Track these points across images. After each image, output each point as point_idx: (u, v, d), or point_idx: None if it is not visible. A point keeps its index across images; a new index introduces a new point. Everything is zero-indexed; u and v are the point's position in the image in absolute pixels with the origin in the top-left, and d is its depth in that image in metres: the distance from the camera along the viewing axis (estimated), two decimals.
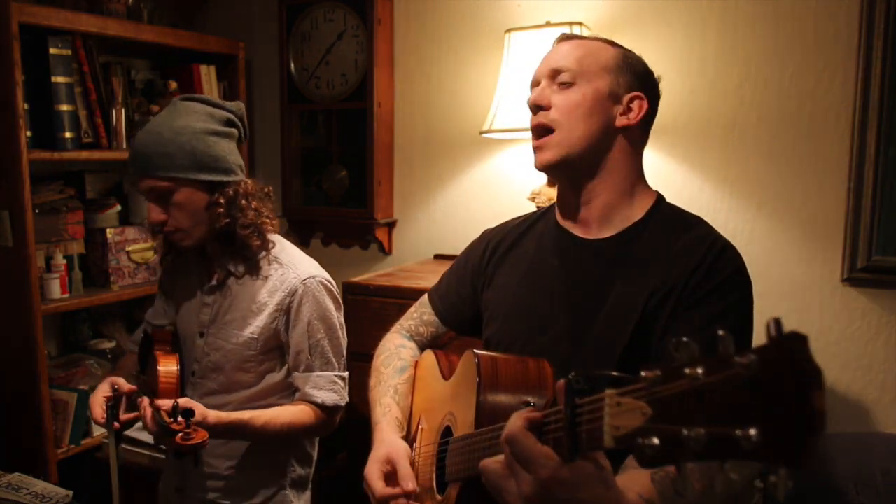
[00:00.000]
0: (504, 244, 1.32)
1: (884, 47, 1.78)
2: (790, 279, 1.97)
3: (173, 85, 2.53)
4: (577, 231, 1.20)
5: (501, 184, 2.37)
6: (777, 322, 0.52)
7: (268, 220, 1.54)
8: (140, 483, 2.08)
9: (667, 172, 2.09)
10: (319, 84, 2.60)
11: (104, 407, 1.47)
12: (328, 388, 1.53)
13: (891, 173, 1.81)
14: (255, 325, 1.51)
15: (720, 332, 0.56)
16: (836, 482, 1.57)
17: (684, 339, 0.59)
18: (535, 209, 1.84)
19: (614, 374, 0.67)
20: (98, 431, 2.28)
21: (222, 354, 1.54)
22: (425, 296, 1.45)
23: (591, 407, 0.69)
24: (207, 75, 2.62)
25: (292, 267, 1.53)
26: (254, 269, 1.54)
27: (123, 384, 1.49)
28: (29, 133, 2.06)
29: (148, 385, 1.58)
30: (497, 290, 1.28)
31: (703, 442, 0.54)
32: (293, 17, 2.62)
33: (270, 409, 1.50)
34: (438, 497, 1.13)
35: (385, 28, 2.49)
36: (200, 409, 1.35)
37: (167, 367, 1.52)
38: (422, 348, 1.41)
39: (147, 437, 2.11)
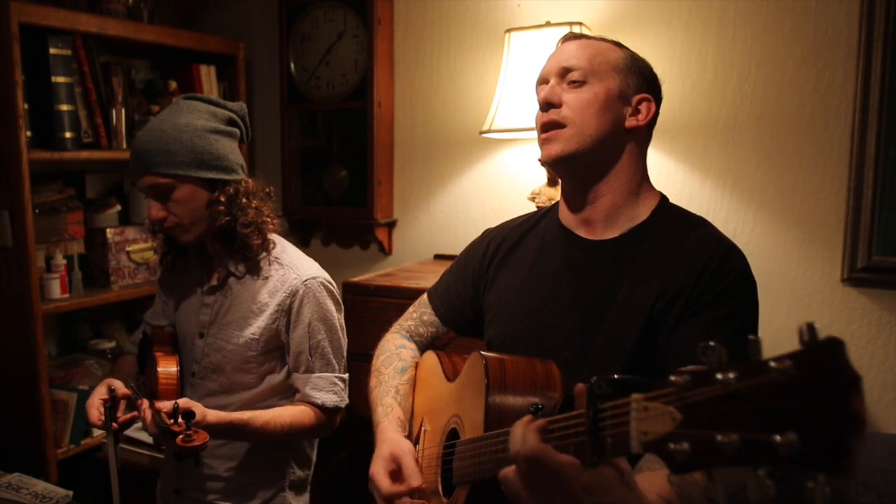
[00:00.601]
0: (506, 245, 1.31)
1: (884, 47, 1.78)
2: (790, 279, 1.97)
3: (173, 85, 2.53)
4: (581, 232, 1.20)
5: (501, 184, 2.37)
6: (811, 327, 0.51)
7: (269, 220, 1.54)
8: (140, 483, 2.08)
9: (667, 172, 2.09)
10: (319, 84, 2.60)
11: (101, 409, 1.47)
12: (328, 389, 1.53)
13: (891, 173, 1.81)
14: (256, 326, 1.51)
15: (750, 337, 0.56)
16: (837, 482, 1.57)
17: (711, 343, 0.58)
18: (535, 209, 1.83)
19: (635, 377, 0.67)
20: (98, 432, 2.28)
21: (222, 355, 1.53)
22: (424, 296, 1.45)
23: (616, 412, 0.69)
24: (207, 75, 2.62)
25: (293, 268, 1.53)
26: (254, 269, 1.54)
27: (120, 387, 1.48)
28: (29, 133, 2.06)
29: (147, 386, 1.58)
30: (499, 291, 1.28)
31: (736, 447, 0.53)
32: (293, 17, 2.62)
33: (270, 410, 1.49)
34: (445, 500, 1.13)
35: (385, 28, 2.49)
36: (200, 409, 1.35)
37: (167, 367, 1.51)
38: (421, 349, 1.41)
39: (147, 437, 2.11)
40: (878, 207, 1.83)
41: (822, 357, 0.50)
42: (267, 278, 1.53)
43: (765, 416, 0.53)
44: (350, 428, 2.10)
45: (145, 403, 1.38)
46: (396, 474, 1.15)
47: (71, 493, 1.73)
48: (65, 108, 2.14)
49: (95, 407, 1.47)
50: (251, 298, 1.52)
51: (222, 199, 1.47)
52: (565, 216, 1.23)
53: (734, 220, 2.03)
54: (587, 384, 0.73)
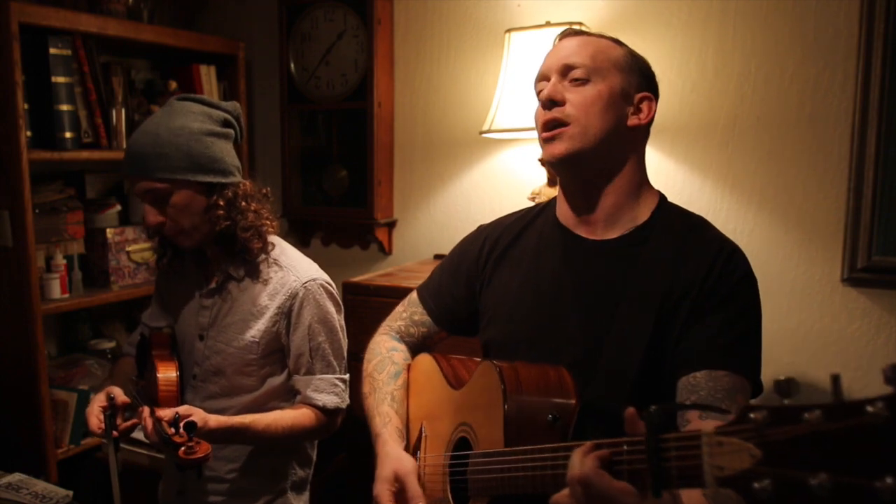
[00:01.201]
0: (501, 243, 1.29)
1: (884, 47, 1.78)
2: (790, 279, 1.97)
3: (173, 85, 2.53)
4: (581, 231, 1.19)
5: (501, 184, 2.37)
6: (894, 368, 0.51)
7: (268, 222, 1.52)
8: (140, 483, 2.08)
9: (667, 172, 2.09)
10: (319, 84, 2.60)
11: (100, 417, 1.45)
12: (329, 390, 1.52)
13: (891, 173, 1.81)
14: (256, 329, 1.51)
15: (831, 375, 0.57)
16: None
17: (783, 377, 0.59)
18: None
19: (687, 405, 0.67)
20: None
21: (223, 358, 1.53)
22: (414, 295, 1.41)
23: (683, 444, 0.69)
24: (207, 75, 2.62)
25: (292, 270, 1.52)
26: (254, 271, 1.53)
27: (119, 394, 1.46)
28: (29, 133, 2.06)
29: (147, 390, 1.57)
30: (496, 291, 1.26)
31: (828, 489, 0.53)
32: (293, 17, 2.62)
33: (272, 413, 1.49)
34: None
35: (385, 28, 2.49)
36: (201, 415, 1.34)
37: (166, 373, 1.50)
38: (412, 349, 1.38)
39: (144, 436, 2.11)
40: (878, 207, 1.83)
41: None
42: (266, 281, 1.52)
43: (858, 459, 0.52)
44: (350, 428, 2.11)
45: (146, 411, 1.36)
46: (400, 495, 1.14)
47: (71, 493, 1.73)
48: (65, 108, 2.14)
49: (95, 415, 1.45)
50: (251, 301, 1.52)
51: (221, 202, 1.45)
52: (564, 215, 1.22)
53: (734, 220, 2.03)
54: (645, 413, 0.73)
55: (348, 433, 2.19)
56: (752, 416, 0.60)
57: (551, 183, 2.05)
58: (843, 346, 1.92)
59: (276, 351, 1.54)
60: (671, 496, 0.77)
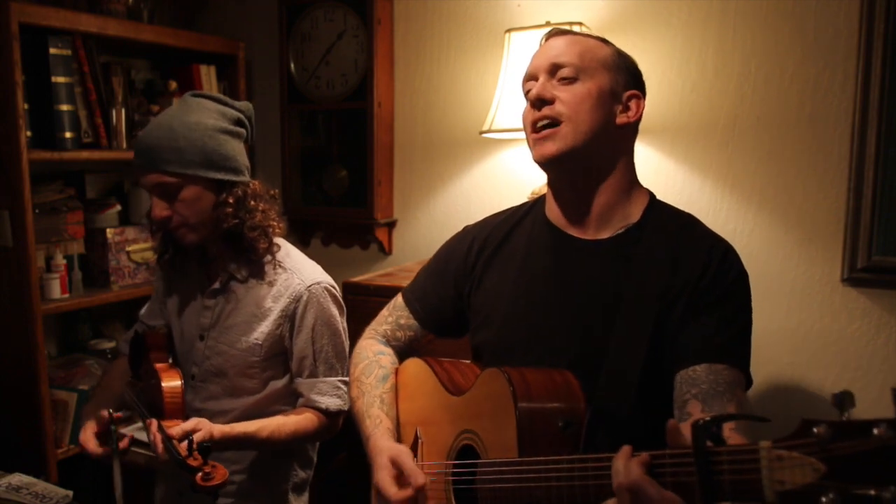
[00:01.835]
0: (490, 244, 1.28)
1: (884, 47, 1.78)
2: (790, 279, 1.97)
3: (173, 85, 2.53)
4: (572, 231, 1.18)
5: (501, 184, 2.37)
6: None
7: (275, 223, 1.51)
8: (139, 482, 2.08)
9: (667, 172, 2.09)
10: (319, 84, 2.60)
11: (97, 442, 1.42)
12: (332, 393, 1.52)
13: (891, 173, 1.81)
14: (260, 331, 1.50)
15: (892, 388, 0.57)
16: None
17: (844, 391, 0.60)
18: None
19: (730, 415, 0.68)
20: None
21: (224, 359, 1.52)
22: (399, 298, 1.40)
23: (737, 457, 0.69)
24: (207, 75, 2.62)
25: (297, 272, 1.52)
26: (258, 273, 1.52)
27: (106, 414, 1.42)
28: (29, 133, 2.06)
29: (147, 394, 1.55)
30: (487, 293, 1.25)
31: None
32: (293, 17, 2.62)
33: (275, 419, 1.48)
34: None
35: (385, 28, 2.49)
36: (206, 427, 1.33)
37: (171, 382, 1.47)
38: (398, 353, 1.37)
39: (144, 436, 2.11)
40: (878, 207, 1.83)
41: None
42: (271, 283, 1.51)
43: None
44: (350, 428, 2.10)
45: (154, 425, 1.34)
46: (400, 479, 1.13)
47: (71, 493, 1.73)
48: (65, 108, 2.14)
49: (91, 442, 1.43)
50: (255, 303, 1.51)
51: (230, 200, 1.45)
52: (555, 215, 1.21)
53: (734, 220, 2.03)
54: (693, 425, 0.72)
55: (349, 433, 2.20)
56: (814, 430, 0.60)
57: None
58: (843, 346, 1.92)
59: (278, 354, 1.53)
60: None
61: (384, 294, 2.07)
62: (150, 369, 1.53)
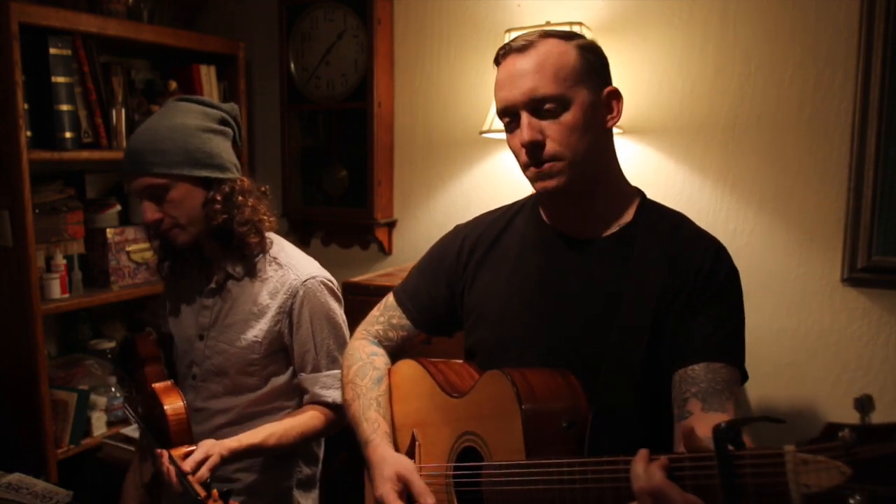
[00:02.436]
0: (483, 243, 1.27)
1: (884, 47, 1.78)
2: (790, 279, 1.97)
3: (173, 85, 2.53)
4: (567, 231, 1.18)
5: (501, 184, 2.37)
6: None
7: (265, 218, 1.52)
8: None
9: (667, 172, 2.09)
10: (319, 84, 2.60)
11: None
12: (336, 386, 1.52)
13: (891, 173, 1.81)
14: (259, 329, 1.50)
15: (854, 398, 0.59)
16: None
17: (864, 395, 0.62)
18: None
19: (751, 418, 0.69)
20: (98, 431, 2.28)
21: (224, 358, 1.53)
22: (390, 298, 1.40)
23: (761, 461, 0.69)
24: (207, 75, 2.62)
25: (292, 268, 1.52)
26: (253, 270, 1.53)
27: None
28: (29, 133, 2.06)
29: (146, 407, 1.54)
30: (481, 293, 1.25)
31: None
32: (293, 17, 2.62)
33: (282, 424, 1.48)
34: None
35: (385, 28, 2.49)
36: (216, 452, 1.33)
37: (173, 404, 1.44)
38: (391, 353, 1.37)
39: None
40: (878, 207, 1.83)
41: None
42: (266, 279, 1.52)
43: None
44: (348, 428, 2.10)
45: (166, 458, 1.34)
46: (404, 494, 1.12)
47: (71, 493, 1.73)
48: (65, 108, 2.14)
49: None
50: (251, 300, 1.52)
51: (218, 197, 1.46)
52: (549, 214, 1.21)
53: (734, 220, 2.03)
54: (715, 429, 0.73)
55: (349, 432, 2.19)
56: (839, 434, 0.62)
57: None
58: (843, 346, 1.92)
59: (278, 350, 1.54)
60: None
61: (384, 294, 2.06)
62: (145, 383, 1.52)
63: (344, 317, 1.58)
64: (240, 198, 1.48)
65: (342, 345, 1.55)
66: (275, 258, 1.54)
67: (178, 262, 1.62)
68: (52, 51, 2.09)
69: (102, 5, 2.30)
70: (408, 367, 1.30)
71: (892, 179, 1.81)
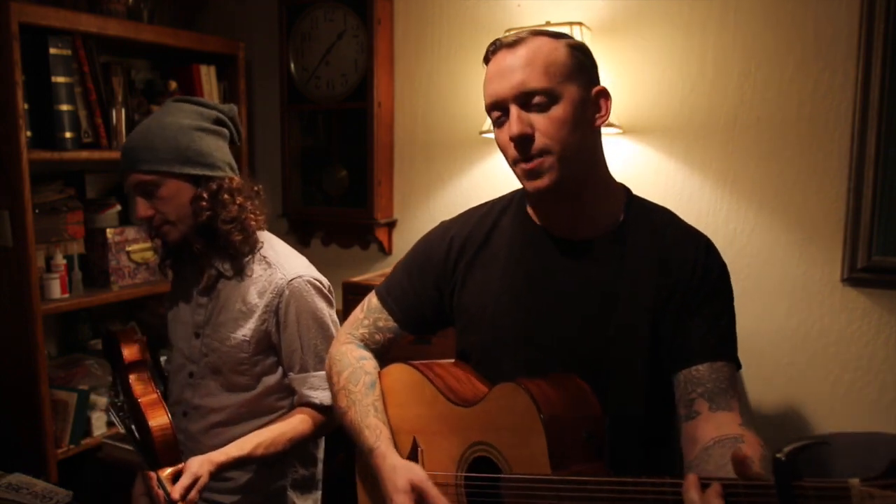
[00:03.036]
0: (472, 243, 1.26)
1: (884, 47, 1.78)
2: (790, 279, 1.97)
3: (173, 85, 2.53)
4: (558, 232, 1.18)
5: (501, 184, 2.36)
6: None
7: (252, 216, 1.52)
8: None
9: (667, 172, 2.09)
10: (319, 84, 2.60)
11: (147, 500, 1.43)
12: (324, 387, 1.51)
13: (891, 173, 1.81)
14: (247, 328, 1.51)
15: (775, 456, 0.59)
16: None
17: None
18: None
19: (807, 443, 0.71)
20: (98, 431, 2.28)
21: (218, 356, 1.53)
22: (373, 299, 1.37)
23: (826, 493, 0.69)
24: (207, 75, 2.62)
25: (279, 267, 1.52)
26: (242, 268, 1.53)
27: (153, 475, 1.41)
28: (29, 133, 2.06)
29: (128, 411, 1.53)
30: (472, 294, 1.23)
31: None
32: (293, 17, 2.62)
33: (271, 431, 1.47)
34: None
35: (385, 28, 2.49)
36: (205, 473, 1.33)
37: (158, 420, 1.43)
38: (377, 356, 1.34)
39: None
40: (878, 207, 1.83)
41: None
42: (255, 278, 1.52)
43: None
44: (348, 434, 2.10)
45: (154, 480, 1.34)
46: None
47: (71, 493, 1.73)
48: (65, 108, 2.14)
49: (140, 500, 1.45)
50: (240, 299, 1.52)
51: (205, 194, 1.47)
52: (539, 215, 1.20)
53: (734, 220, 2.03)
54: (777, 462, 0.73)
55: (347, 433, 2.19)
56: None
57: None
58: (843, 346, 1.92)
59: (267, 349, 1.53)
60: None
61: None
62: (130, 391, 1.50)
63: (334, 316, 1.58)
64: (226, 196, 1.49)
65: (330, 344, 1.54)
66: (264, 257, 1.54)
67: (178, 260, 1.63)
68: (52, 51, 2.09)
69: (102, 5, 2.30)
70: (402, 371, 1.28)
71: (892, 179, 1.81)
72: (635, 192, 1.24)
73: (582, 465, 0.98)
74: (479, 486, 1.11)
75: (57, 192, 2.24)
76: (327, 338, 1.53)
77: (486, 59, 1.15)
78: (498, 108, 1.11)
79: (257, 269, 1.53)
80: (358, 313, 1.39)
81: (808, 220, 1.95)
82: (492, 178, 2.39)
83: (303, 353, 1.51)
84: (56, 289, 2.18)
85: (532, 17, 2.23)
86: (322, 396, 1.52)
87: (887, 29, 1.77)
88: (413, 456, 1.22)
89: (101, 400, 2.30)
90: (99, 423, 2.28)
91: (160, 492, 1.32)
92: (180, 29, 2.53)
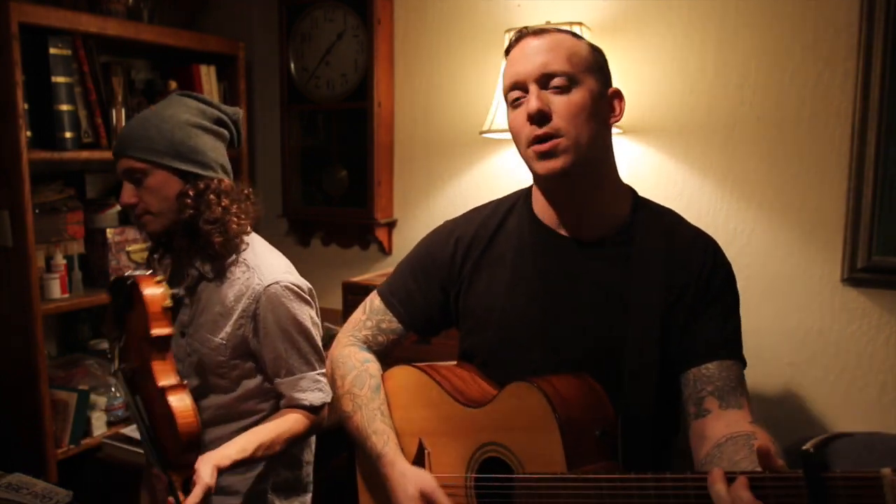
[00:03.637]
0: (477, 244, 1.26)
1: (884, 47, 1.78)
2: (790, 279, 1.97)
3: (173, 85, 2.53)
4: (566, 231, 1.18)
5: (501, 184, 2.37)
6: None
7: (235, 220, 1.50)
8: (138, 482, 2.07)
9: (667, 172, 2.09)
10: (319, 84, 2.60)
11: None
12: (313, 388, 1.50)
13: (891, 173, 1.81)
14: (224, 331, 1.49)
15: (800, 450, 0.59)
16: None
17: None
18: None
19: (833, 435, 0.70)
20: (98, 431, 2.28)
21: (200, 356, 1.51)
22: (376, 301, 1.36)
23: (856, 483, 0.70)
24: (207, 75, 2.62)
25: (258, 271, 1.50)
26: (223, 271, 1.51)
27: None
28: (29, 133, 2.06)
29: (136, 385, 1.47)
30: (479, 294, 1.23)
31: None
32: (293, 17, 2.62)
33: (269, 431, 1.45)
34: None
35: (385, 28, 2.49)
36: (214, 479, 1.31)
37: (181, 402, 1.36)
38: (380, 358, 1.34)
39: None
40: (878, 207, 1.83)
41: None
42: (233, 281, 1.50)
43: None
44: (353, 438, 2.10)
45: (165, 483, 1.30)
46: None
47: (71, 493, 1.73)
48: (65, 108, 2.14)
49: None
50: (220, 301, 1.50)
51: (191, 192, 1.46)
52: (546, 215, 1.20)
53: (734, 220, 2.03)
54: (804, 454, 0.74)
55: (352, 437, 2.19)
56: None
57: None
58: (843, 346, 1.92)
59: (244, 354, 1.51)
60: None
61: None
62: (150, 369, 1.43)
63: (315, 318, 1.55)
64: (212, 196, 1.48)
65: (314, 346, 1.52)
66: (244, 260, 1.52)
67: (166, 255, 1.61)
68: (52, 51, 2.09)
69: (102, 5, 2.30)
70: (406, 373, 1.27)
71: (892, 179, 1.81)
72: None
73: (596, 465, 0.98)
74: (490, 487, 1.10)
75: (57, 192, 2.24)
76: (309, 340, 1.52)
77: (509, 50, 1.17)
78: (518, 88, 1.13)
79: (237, 272, 1.51)
80: (359, 315, 1.38)
81: (808, 220, 1.95)
82: (492, 178, 2.39)
83: (287, 358, 1.49)
84: (56, 289, 2.18)
85: (532, 17, 2.23)
86: (312, 398, 1.50)
87: (887, 28, 1.77)
88: (419, 459, 1.21)
89: (101, 400, 2.30)
90: (99, 423, 2.28)
91: (171, 500, 1.28)
92: (180, 29, 2.53)
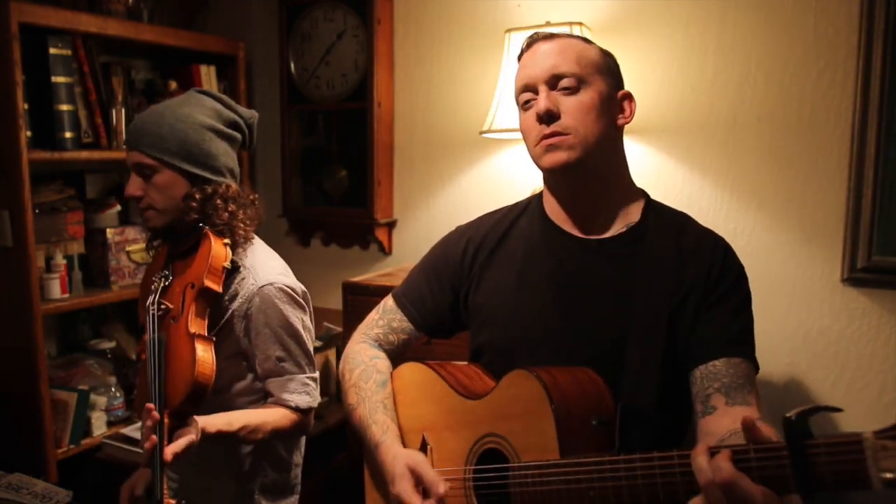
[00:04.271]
0: (487, 244, 1.28)
1: (884, 47, 1.78)
2: (790, 279, 1.97)
3: (173, 85, 2.53)
4: (576, 231, 1.19)
5: (501, 184, 2.37)
6: None
7: (241, 226, 1.50)
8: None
9: (667, 172, 2.09)
10: (319, 84, 2.60)
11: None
12: (301, 391, 1.50)
13: (891, 173, 1.81)
14: (217, 330, 1.48)
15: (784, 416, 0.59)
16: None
17: None
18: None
19: (818, 406, 0.71)
20: (98, 431, 2.28)
21: None
22: (389, 301, 1.39)
23: (838, 449, 0.70)
24: (207, 75, 2.62)
25: (252, 272, 1.50)
26: None
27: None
28: (29, 133, 2.06)
29: (172, 318, 1.43)
30: (488, 294, 1.25)
31: None
32: (293, 17, 2.62)
33: (257, 416, 1.45)
34: None
35: (385, 28, 2.49)
36: (199, 438, 1.31)
37: (206, 351, 1.35)
38: (391, 357, 1.35)
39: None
40: (878, 207, 1.83)
41: None
42: (229, 281, 1.49)
43: None
44: (355, 431, 2.10)
45: (155, 419, 1.28)
46: (420, 488, 1.11)
47: (71, 493, 1.73)
48: (65, 108, 2.14)
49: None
50: (215, 301, 1.51)
51: (197, 195, 1.46)
52: (557, 214, 1.22)
53: (734, 220, 2.03)
54: (786, 420, 0.74)
55: (348, 433, 2.19)
56: None
57: None
58: (843, 346, 1.92)
59: (237, 353, 1.51)
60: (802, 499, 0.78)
61: (384, 294, 2.04)
62: (185, 311, 1.40)
63: (307, 322, 1.55)
64: (218, 202, 1.48)
65: (304, 349, 1.52)
66: (241, 261, 1.52)
67: (165, 246, 1.60)
68: (52, 51, 2.09)
69: (102, 5, 2.30)
70: (413, 370, 1.29)
71: (892, 179, 1.81)
72: None
73: (592, 454, 0.97)
74: (487, 479, 1.11)
75: (57, 192, 2.24)
76: (300, 343, 1.51)
77: (521, 55, 1.21)
78: (528, 90, 1.16)
79: (233, 274, 1.51)
80: (373, 315, 1.41)
81: (808, 220, 1.95)
82: (492, 178, 2.39)
83: (277, 359, 1.49)
84: (56, 289, 2.18)
85: (532, 17, 2.23)
86: (299, 400, 1.50)
87: (887, 28, 1.77)
88: (425, 454, 1.22)
89: (101, 400, 2.30)
90: (99, 423, 2.28)
91: (154, 437, 1.27)
92: (180, 29, 2.53)
